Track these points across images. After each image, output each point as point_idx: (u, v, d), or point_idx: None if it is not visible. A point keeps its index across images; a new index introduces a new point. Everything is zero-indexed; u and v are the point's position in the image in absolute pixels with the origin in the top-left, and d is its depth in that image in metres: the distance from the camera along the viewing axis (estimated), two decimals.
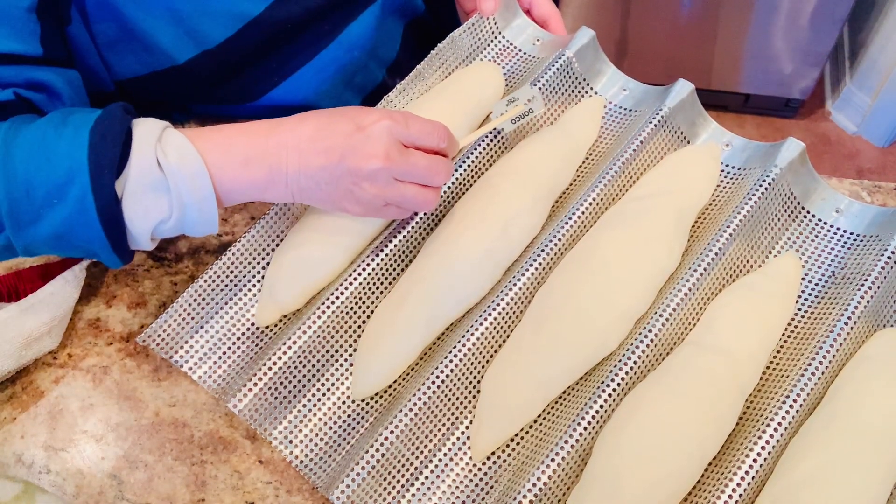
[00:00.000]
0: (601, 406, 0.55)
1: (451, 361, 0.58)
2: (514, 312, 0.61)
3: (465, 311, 0.62)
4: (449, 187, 0.66)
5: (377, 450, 0.55)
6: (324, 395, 0.60)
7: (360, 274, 0.62)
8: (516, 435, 0.58)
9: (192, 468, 0.59)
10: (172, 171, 0.52)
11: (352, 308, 0.62)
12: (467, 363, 0.59)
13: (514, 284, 0.61)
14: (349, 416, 0.60)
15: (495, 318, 0.60)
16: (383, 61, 0.82)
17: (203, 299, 0.62)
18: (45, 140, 0.51)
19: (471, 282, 0.61)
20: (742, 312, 0.59)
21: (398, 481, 0.56)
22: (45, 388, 0.63)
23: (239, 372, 0.60)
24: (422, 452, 0.57)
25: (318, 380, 0.61)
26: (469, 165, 0.67)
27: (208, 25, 0.65)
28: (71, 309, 0.65)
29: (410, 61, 0.77)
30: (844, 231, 0.65)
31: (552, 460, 0.53)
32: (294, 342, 0.59)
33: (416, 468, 0.57)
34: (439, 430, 0.58)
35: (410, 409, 0.56)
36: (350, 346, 0.62)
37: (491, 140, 0.69)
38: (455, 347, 0.58)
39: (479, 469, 0.57)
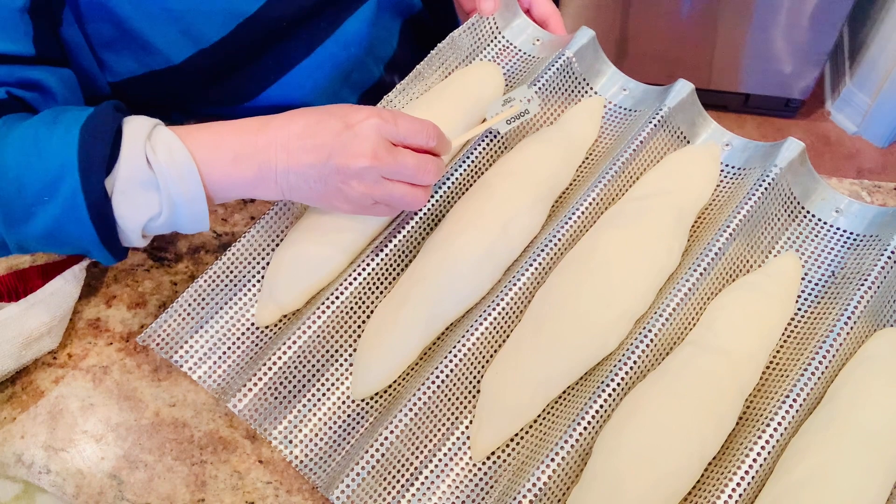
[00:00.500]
0: (601, 406, 0.55)
1: (451, 361, 0.58)
2: (513, 312, 0.61)
3: (465, 311, 0.62)
4: (448, 187, 0.66)
5: (377, 450, 0.55)
6: (324, 395, 0.60)
7: (360, 274, 0.62)
8: (516, 435, 0.58)
9: (192, 468, 0.59)
10: (161, 169, 0.52)
11: (352, 308, 0.62)
12: (467, 363, 0.59)
13: (514, 284, 0.61)
14: (349, 416, 0.60)
15: (495, 318, 0.60)
16: (380, 58, 0.82)
17: (203, 299, 0.62)
18: (37, 138, 0.51)
19: (471, 282, 0.61)
20: (742, 312, 0.59)
21: (398, 481, 0.56)
22: (45, 388, 0.63)
23: (239, 372, 0.60)
24: (422, 452, 0.57)
25: (318, 380, 0.61)
26: (469, 165, 0.67)
27: (203, 24, 0.65)
28: (71, 309, 0.65)
29: (408, 58, 0.77)
30: (844, 231, 0.65)
31: (552, 460, 0.53)
32: (294, 342, 0.59)
33: (416, 468, 0.57)
34: (439, 430, 0.58)
35: (410, 409, 0.56)
36: (350, 346, 0.62)
37: (490, 140, 0.69)
38: (455, 347, 0.58)
39: (479, 469, 0.57)
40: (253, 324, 0.63)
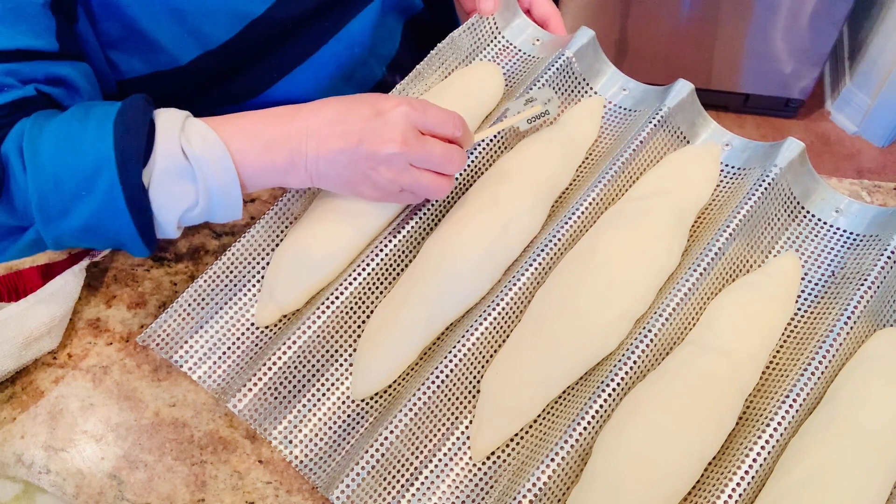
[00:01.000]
0: (601, 406, 0.55)
1: (450, 361, 0.58)
2: (513, 312, 0.61)
3: (465, 311, 0.62)
4: None
5: (377, 450, 0.55)
6: (324, 395, 0.60)
7: (360, 274, 0.62)
8: (516, 435, 0.58)
9: (192, 468, 0.59)
10: (197, 158, 0.53)
11: (352, 308, 0.62)
12: (467, 363, 0.59)
13: (514, 284, 0.61)
14: (349, 416, 0.60)
15: (495, 318, 0.60)
16: (383, 58, 0.82)
17: (203, 299, 0.62)
18: (71, 133, 0.52)
19: (471, 282, 0.61)
20: (742, 312, 0.59)
21: (398, 481, 0.56)
22: (45, 388, 0.63)
23: (239, 372, 0.60)
24: (422, 452, 0.57)
25: (318, 380, 0.61)
26: (469, 165, 0.67)
27: (210, 26, 0.65)
28: (71, 309, 0.65)
29: (410, 58, 0.77)
30: (844, 231, 0.65)
31: (552, 460, 0.53)
32: (294, 342, 0.59)
33: (416, 468, 0.57)
34: (439, 430, 0.58)
35: (410, 409, 0.56)
36: (350, 346, 0.62)
37: (490, 140, 0.69)
38: (455, 347, 0.58)
39: (479, 469, 0.57)
40: (253, 324, 0.63)
